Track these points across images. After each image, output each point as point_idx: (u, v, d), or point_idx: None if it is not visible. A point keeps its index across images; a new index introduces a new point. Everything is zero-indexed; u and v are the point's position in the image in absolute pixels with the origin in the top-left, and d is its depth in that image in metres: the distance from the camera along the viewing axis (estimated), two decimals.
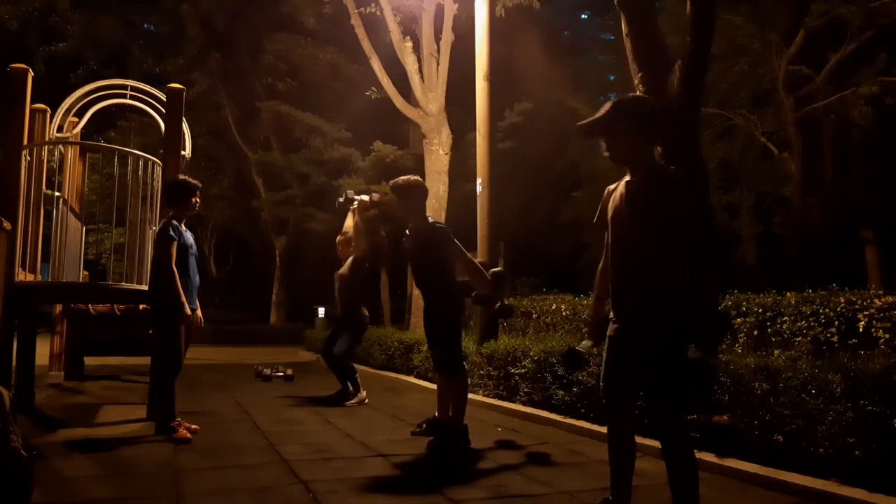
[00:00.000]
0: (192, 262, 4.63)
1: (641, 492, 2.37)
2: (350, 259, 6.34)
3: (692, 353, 4.22)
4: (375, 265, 11.20)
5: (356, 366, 6.64)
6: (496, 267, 4.91)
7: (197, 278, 4.70)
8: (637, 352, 2.37)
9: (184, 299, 4.37)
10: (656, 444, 2.42)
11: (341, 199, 5.87)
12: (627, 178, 2.50)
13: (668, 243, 2.32)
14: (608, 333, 2.50)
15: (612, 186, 2.59)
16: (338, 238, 6.58)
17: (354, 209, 5.98)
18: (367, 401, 6.28)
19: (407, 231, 4.50)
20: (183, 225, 4.62)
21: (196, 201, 4.66)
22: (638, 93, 5.81)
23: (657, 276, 2.35)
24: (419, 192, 4.50)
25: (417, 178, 4.60)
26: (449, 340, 4.34)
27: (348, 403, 6.16)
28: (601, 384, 2.51)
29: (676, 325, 2.32)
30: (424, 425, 4.64)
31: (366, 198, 5.87)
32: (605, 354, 2.50)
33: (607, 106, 2.48)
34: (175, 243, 4.43)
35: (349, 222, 6.31)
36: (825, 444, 3.31)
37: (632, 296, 2.42)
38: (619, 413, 2.49)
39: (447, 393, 4.44)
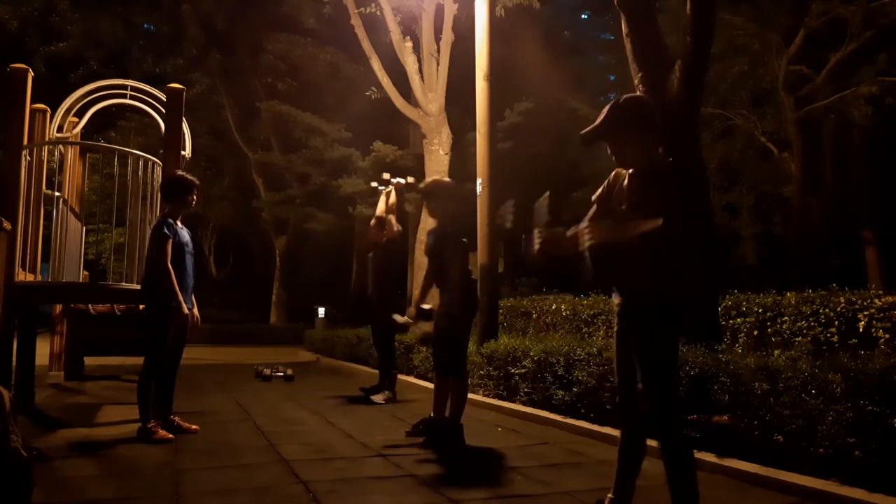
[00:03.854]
0: (189, 261, 4.55)
1: (642, 493, 2.36)
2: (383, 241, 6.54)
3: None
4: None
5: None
6: (498, 267, 4.98)
7: (192, 278, 4.61)
8: (628, 338, 2.39)
9: (180, 298, 4.32)
10: (656, 444, 2.42)
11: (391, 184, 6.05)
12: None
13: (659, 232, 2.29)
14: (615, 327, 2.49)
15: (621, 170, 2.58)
16: (371, 222, 6.78)
17: (389, 192, 6.16)
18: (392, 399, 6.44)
19: (429, 230, 4.56)
20: (179, 223, 4.58)
21: (192, 199, 4.62)
22: (637, 93, 5.83)
23: (643, 262, 2.33)
24: (443, 192, 4.58)
25: (443, 179, 4.65)
26: (456, 341, 4.36)
27: (374, 398, 6.29)
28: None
29: (660, 312, 2.32)
30: (420, 426, 4.63)
31: (402, 181, 6.11)
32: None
33: (606, 110, 2.48)
34: (170, 241, 4.37)
35: (382, 207, 6.49)
36: (825, 444, 3.30)
37: (620, 277, 2.43)
38: (627, 404, 2.48)
39: (444, 393, 4.44)
